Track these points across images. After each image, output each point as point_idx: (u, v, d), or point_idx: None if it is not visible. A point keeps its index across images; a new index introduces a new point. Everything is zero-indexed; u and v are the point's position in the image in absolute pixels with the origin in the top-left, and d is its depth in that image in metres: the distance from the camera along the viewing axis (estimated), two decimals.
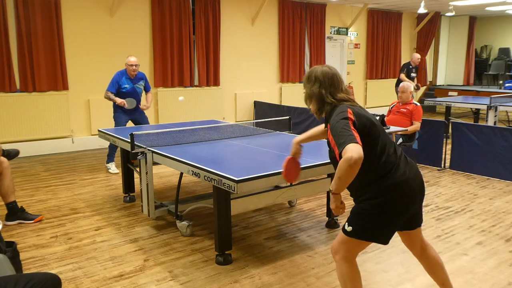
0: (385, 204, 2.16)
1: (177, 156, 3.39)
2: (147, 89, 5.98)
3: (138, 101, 5.84)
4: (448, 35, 14.00)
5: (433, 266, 2.47)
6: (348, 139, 2.02)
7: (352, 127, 2.08)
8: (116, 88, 5.63)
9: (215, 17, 8.62)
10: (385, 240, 2.24)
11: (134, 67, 5.65)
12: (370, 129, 2.16)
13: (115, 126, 5.75)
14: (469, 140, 5.77)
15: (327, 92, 2.27)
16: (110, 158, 5.94)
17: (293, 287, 2.88)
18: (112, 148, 5.84)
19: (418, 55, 9.29)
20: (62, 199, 4.77)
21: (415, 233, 2.41)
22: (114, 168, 5.93)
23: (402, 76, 8.90)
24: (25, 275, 2.12)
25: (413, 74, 9.18)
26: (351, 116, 2.12)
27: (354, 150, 1.97)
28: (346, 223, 2.23)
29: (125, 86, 5.65)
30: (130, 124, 5.89)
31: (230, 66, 9.11)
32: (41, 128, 7.04)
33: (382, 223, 2.19)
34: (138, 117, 5.87)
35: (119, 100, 5.57)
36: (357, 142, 2.00)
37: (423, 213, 2.43)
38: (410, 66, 9.18)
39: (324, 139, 2.45)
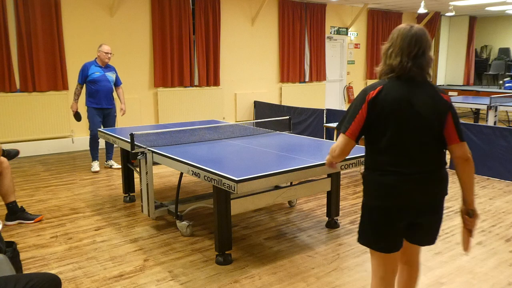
0: None
1: (177, 156, 3.39)
2: (118, 83, 5.91)
3: (110, 90, 5.80)
4: (448, 35, 14.00)
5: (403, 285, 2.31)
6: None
7: None
8: (85, 78, 5.62)
9: (215, 17, 8.62)
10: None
11: (110, 55, 5.65)
12: None
13: (89, 127, 5.79)
14: (469, 140, 5.70)
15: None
16: (94, 157, 5.95)
17: (293, 287, 2.88)
18: (94, 147, 5.90)
19: None
20: (62, 199, 4.77)
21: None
22: (96, 166, 5.93)
23: None
24: (25, 275, 2.12)
25: None
26: None
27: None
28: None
29: (95, 72, 5.61)
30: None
31: (230, 66, 9.10)
32: (41, 128, 7.04)
33: None
34: (107, 118, 5.84)
35: (74, 107, 5.72)
36: None
37: None
38: None
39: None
